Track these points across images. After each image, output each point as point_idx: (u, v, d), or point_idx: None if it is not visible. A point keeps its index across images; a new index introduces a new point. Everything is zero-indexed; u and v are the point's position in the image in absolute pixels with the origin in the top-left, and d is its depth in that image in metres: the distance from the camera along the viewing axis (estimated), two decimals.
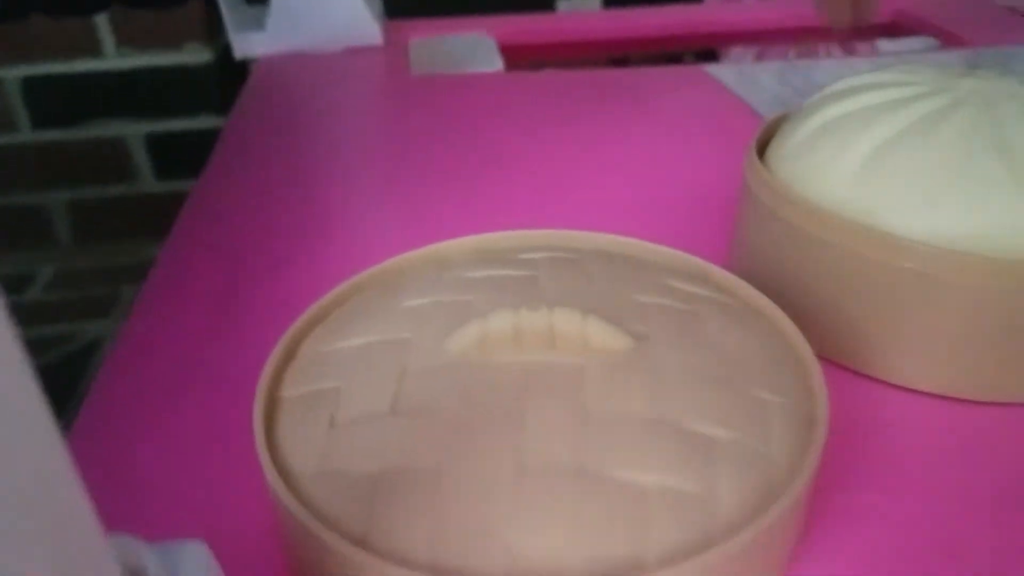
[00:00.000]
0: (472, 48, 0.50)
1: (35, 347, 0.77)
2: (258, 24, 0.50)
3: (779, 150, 0.25)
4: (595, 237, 0.24)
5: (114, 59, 0.92)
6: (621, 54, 0.59)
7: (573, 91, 0.44)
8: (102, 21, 0.90)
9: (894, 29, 0.56)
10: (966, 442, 0.21)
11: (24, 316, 0.84)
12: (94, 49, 0.91)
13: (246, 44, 0.49)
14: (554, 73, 0.48)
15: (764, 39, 0.68)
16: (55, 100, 0.93)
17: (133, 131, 0.96)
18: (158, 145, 0.96)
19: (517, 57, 0.54)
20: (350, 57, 0.50)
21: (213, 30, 0.90)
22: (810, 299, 0.23)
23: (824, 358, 0.23)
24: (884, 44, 0.55)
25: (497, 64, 0.48)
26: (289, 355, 0.20)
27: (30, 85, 0.93)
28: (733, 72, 0.44)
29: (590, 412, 0.17)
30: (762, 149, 0.26)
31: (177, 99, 0.94)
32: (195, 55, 0.92)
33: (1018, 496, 0.19)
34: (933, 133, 0.21)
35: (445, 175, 0.35)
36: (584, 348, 0.18)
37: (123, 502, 0.20)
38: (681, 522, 0.16)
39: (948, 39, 0.51)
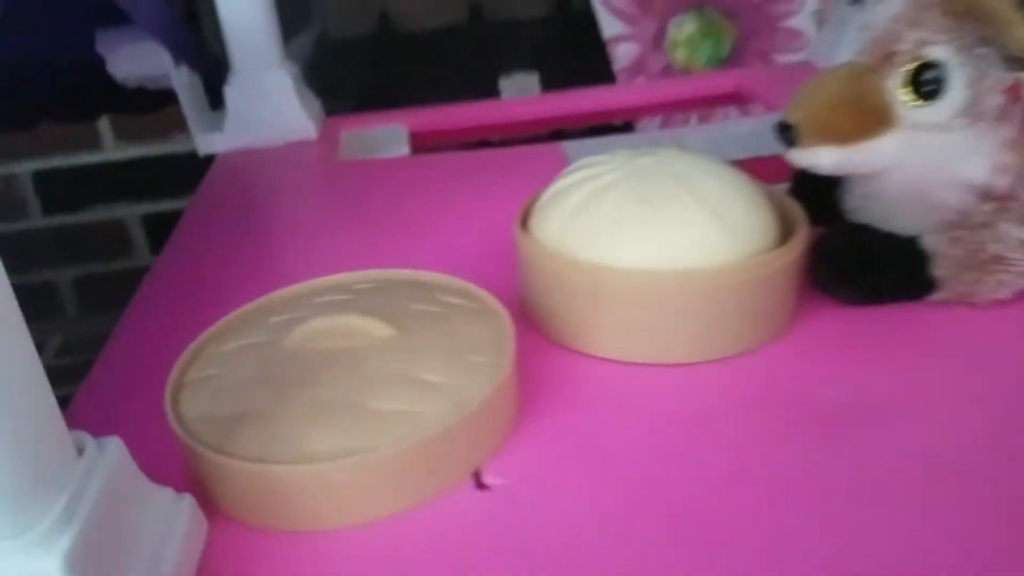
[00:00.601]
0: (387, 137, 0.63)
1: None
2: (218, 126, 0.63)
3: (534, 211, 0.37)
4: (406, 272, 0.36)
5: (112, 151, 1.06)
6: (556, 128, 0.71)
7: (456, 168, 0.56)
8: (102, 120, 1.04)
9: (738, 98, 0.69)
10: (631, 389, 0.32)
11: None
12: (95, 143, 1.06)
13: (208, 143, 0.62)
14: (445, 155, 0.60)
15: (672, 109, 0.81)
16: (62, 189, 1.07)
17: (130, 212, 1.09)
18: (152, 224, 1.10)
19: (431, 140, 0.67)
20: (291, 149, 0.62)
21: None
22: (546, 303, 0.35)
23: (555, 342, 0.35)
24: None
25: (404, 150, 0.60)
26: (196, 355, 0.32)
27: (40, 177, 1.07)
28: (576, 147, 0.56)
29: (361, 372, 0.29)
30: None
31: (167, 183, 1.07)
32: (181, 145, 1.05)
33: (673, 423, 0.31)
34: (605, 196, 0.33)
35: (353, 235, 0.48)
36: (366, 337, 0.30)
37: None
38: (405, 427, 0.27)
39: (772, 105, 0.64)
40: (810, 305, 0.36)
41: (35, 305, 1.15)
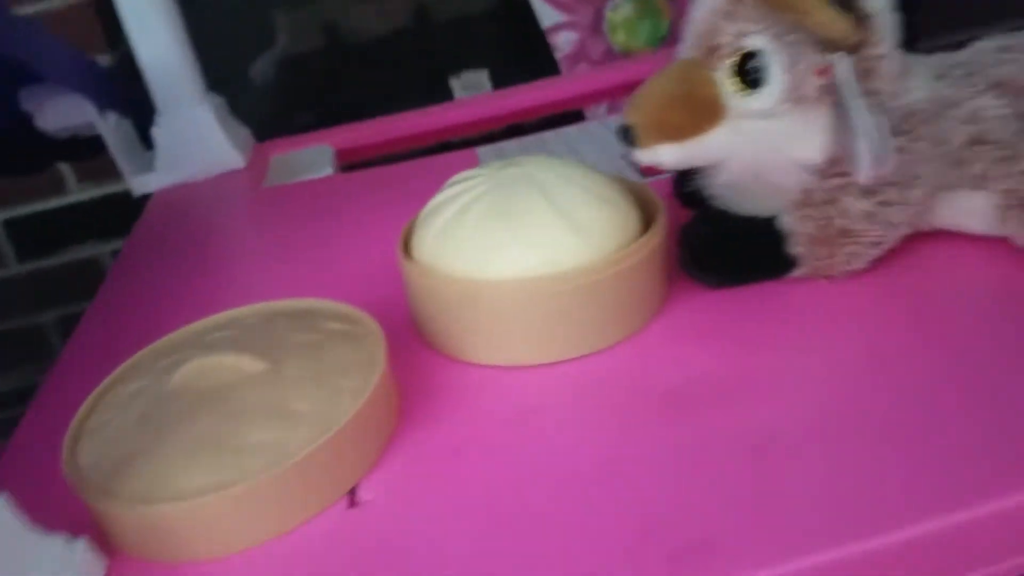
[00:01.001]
0: (313, 158, 0.65)
1: None
2: (151, 166, 0.65)
3: (414, 229, 0.38)
4: (293, 302, 0.37)
5: (78, 193, 1.09)
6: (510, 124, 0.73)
7: (376, 183, 0.58)
8: (64, 164, 1.07)
9: None
10: (504, 393, 0.34)
11: None
12: (60, 188, 1.08)
13: (141, 184, 0.64)
14: (367, 171, 0.62)
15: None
16: (35, 235, 1.10)
17: (101, 250, 1.11)
18: None
19: (359, 156, 0.69)
20: (222, 181, 0.64)
21: None
22: (426, 318, 0.37)
23: (441, 354, 0.36)
24: None
25: (328, 170, 0.62)
26: (97, 402, 0.34)
27: (11, 225, 1.09)
28: (490, 151, 0.58)
29: (232, 407, 0.31)
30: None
31: (134, 219, 1.09)
32: None
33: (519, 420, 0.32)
34: (469, 212, 0.35)
35: (274, 262, 0.49)
36: (238, 373, 0.32)
37: None
38: (270, 458, 0.29)
39: None
40: (682, 289, 0.38)
41: (25, 349, 1.19)
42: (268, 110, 1.14)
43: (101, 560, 0.29)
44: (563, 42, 1.02)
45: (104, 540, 0.30)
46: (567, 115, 0.80)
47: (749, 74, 0.32)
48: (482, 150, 0.59)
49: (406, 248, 0.37)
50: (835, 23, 0.30)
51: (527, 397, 0.34)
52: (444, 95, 1.12)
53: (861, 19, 0.31)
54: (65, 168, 1.07)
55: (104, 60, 0.97)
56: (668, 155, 0.34)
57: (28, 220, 1.09)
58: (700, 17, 0.33)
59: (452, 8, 1.16)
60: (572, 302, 0.34)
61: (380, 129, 0.69)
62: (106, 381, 0.35)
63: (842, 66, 0.31)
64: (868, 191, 0.34)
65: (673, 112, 0.33)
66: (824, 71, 0.31)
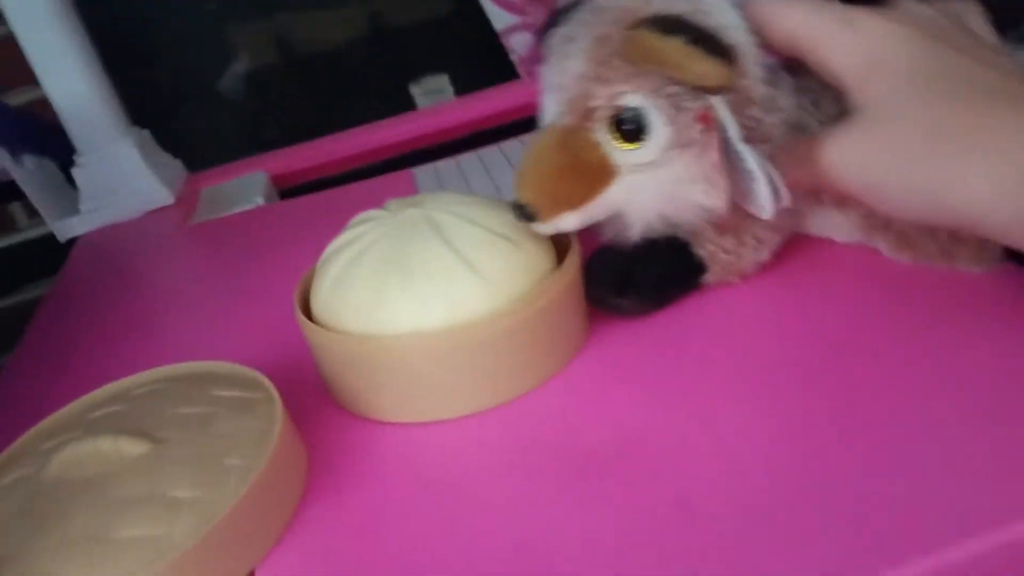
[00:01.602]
0: (244, 187, 0.62)
1: None
2: (73, 209, 0.62)
3: (313, 278, 0.35)
4: (188, 366, 0.35)
5: (27, 231, 1.06)
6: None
7: (306, 212, 0.55)
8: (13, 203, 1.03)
9: None
10: (407, 452, 0.31)
11: None
12: (11, 226, 1.05)
13: (66, 228, 0.61)
14: (298, 200, 0.59)
15: None
16: None
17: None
18: None
19: (300, 179, 0.66)
20: (150, 219, 0.61)
21: None
22: (329, 375, 0.34)
23: (347, 409, 0.34)
24: None
25: (258, 200, 0.59)
26: None
27: None
28: (427, 171, 0.55)
29: (110, 499, 0.28)
30: None
31: None
32: None
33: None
34: (362, 262, 0.32)
35: (196, 310, 0.47)
36: (117, 459, 0.29)
37: None
38: (150, 554, 0.26)
39: None
40: (601, 323, 0.35)
41: None
42: (235, 126, 1.11)
43: None
44: (517, 44, 0.99)
45: None
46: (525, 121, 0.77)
47: (628, 131, 0.31)
48: (418, 170, 0.56)
49: (304, 301, 0.35)
50: (712, 73, 0.29)
51: (441, 458, 0.31)
52: (405, 102, 1.09)
53: (729, 58, 0.30)
54: (15, 207, 1.04)
55: (37, 94, 0.94)
56: (569, 222, 0.33)
57: None
58: (567, 83, 0.32)
59: (408, 15, 1.13)
60: (478, 353, 0.31)
61: (318, 151, 0.66)
62: None
63: (721, 109, 0.30)
64: None
65: (564, 182, 0.32)
66: (704, 117, 0.31)
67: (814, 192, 0.34)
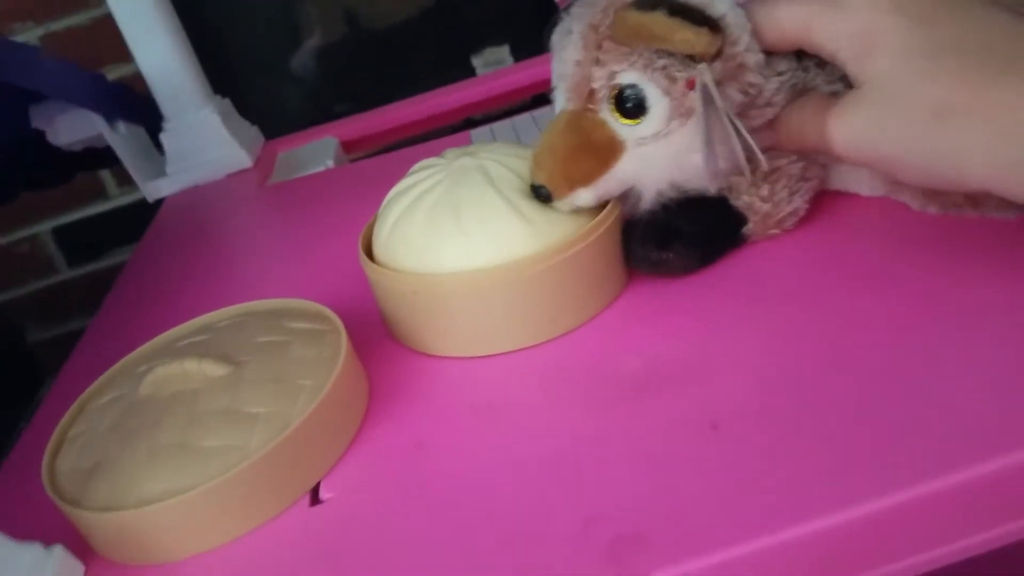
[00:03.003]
0: (316, 152, 0.65)
1: None
2: (161, 171, 0.66)
3: (375, 222, 0.38)
4: (265, 303, 0.38)
5: (118, 199, 1.12)
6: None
7: (375, 173, 0.58)
8: (104, 171, 1.10)
9: None
10: (462, 384, 0.34)
11: None
12: (102, 194, 1.12)
13: (154, 189, 0.66)
14: (367, 161, 0.62)
15: None
16: (82, 240, 1.14)
17: None
18: None
19: (369, 145, 0.69)
20: (231, 181, 0.66)
21: None
22: (388, 313, 0.37)
23: (409, 348, 0.37)
24: None
25: (328, 163, 0.63)
26: (79, 410, 0.36)
27: (60, 233, 1.14)
28: (485, 134, 0.57)
29: (193, 413, 0.32)
30: None
31: None
32: None
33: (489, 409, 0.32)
34: (419, 207, 0.35)
35: (272, 261, 0.51)
36: (200, 379, 0.33)
37: None
38: (227, 462, 0.30)
39: None
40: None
41: None
42: (304, 103, 1.15)
43: (78, 564, 0.31)
44: None
45: (82, 545, 0.31)
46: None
47: (629, 105, 0.33)
48: (475, 132, 0.59)
49: (368, 244, 0.38)
50: (695, 39, 0.30)
51: (489, 388, 0.34)
52: (467, 74, 1.11)
53: (713, 26, 0.31)
54: (105, 175, 1.11)
55: (130, 69, 1.00)
56: (584, 198, 0.34)
57: (74, 227, 1.13)
58: (568, 72, 0.34)
59: None
60: (522, 292, 0.34)
61: (383, 118, 0.69)
62: (87, 391, 0.36)
63: (703, 74, 0.31)
64: None
65: (576, 162, 0.34)
66: (691, 83, 0.32)
67: None
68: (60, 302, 1.18)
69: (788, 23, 0.32)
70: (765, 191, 0.35)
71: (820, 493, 0.25)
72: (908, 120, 0.29)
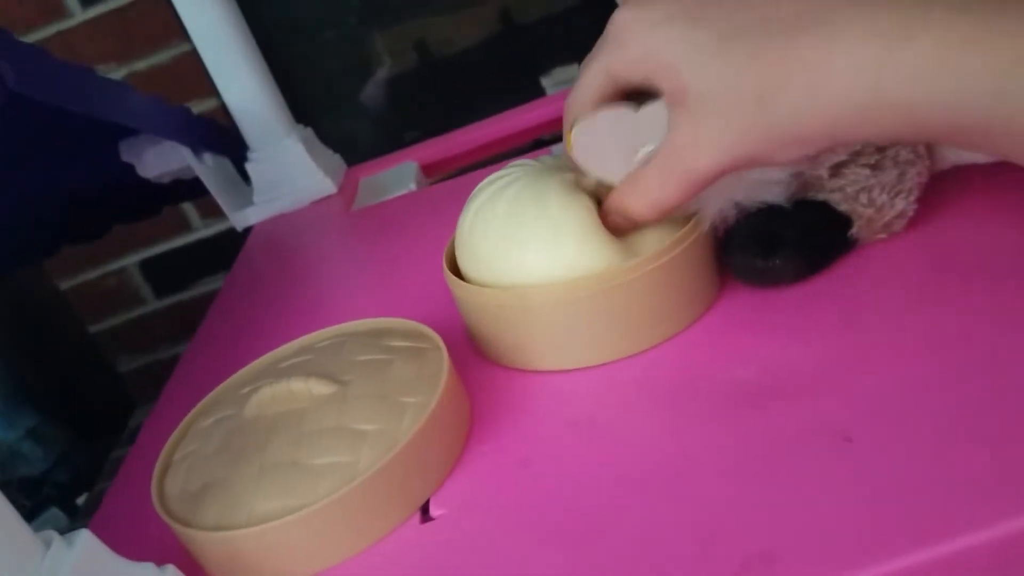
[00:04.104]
0: (397, 177, 0.66)
1: None
2: (248, 200, 0.68)
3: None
4: (363, 322, 0.38)
5: (202, 230, 1.16)
6: None
7: (455, 194, 0.58)
8: (187, 205, 1.14)
9: None
10: (562, 397, 0.33)
11: None
12: (186, 226, 1.15)
13: (242, 217, 0.67)
14: (447, 183, 0.62)
15: None
16: (168, 272, 1.18)
17: None
18: None
19: (439, 171, 0.70)
20: (316, 208, 0.67)
21: None
22: (477, 326, 0.37)
23: (502, 365, 0.36)
24: None
25: (411, 186, 0.63)
26: (184, 433, 0.36)
27: (146, 265, 1.18)
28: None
29: (302, 431, 0.32)
30: None
31: None
32: None
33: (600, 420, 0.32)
34: (503, 192, 0.35)
35: (362, 281, 0.51)
36: (307, 397, 0.33)
37: None
38: (338, 479, 0.30)
39: None
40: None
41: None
42: (376, 131, 1.17)
43: None
44: None
45: (191, 566, 0.31)
46: None
47: None
48: (555, 148, 0.58)
49: (452, 260, 0.38)
50: None
51: (587, 402, 0.33)
52: (538, 95, 1.12)
53: None
54: (188, 209, 1.14)
55: (210, 104, 1.03)
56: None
57: (160, 259, 1.16)
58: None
59: (537, 9, 1.16)
60: (617, 301, 0.33)
61: (461, 140, 0.70)
62: (191, 413, 0.36)
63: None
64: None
65: None
66: None
67: None
68: (148, 332, 1.21)
69: (593, 82, 0.31)
70: (864, 199, 0.34)
71: (967, 508, 0.23)
72: (741, 117, 0.28)
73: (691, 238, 0.33)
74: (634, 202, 0.32)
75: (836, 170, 0.34)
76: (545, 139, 0.73)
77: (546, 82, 1.15)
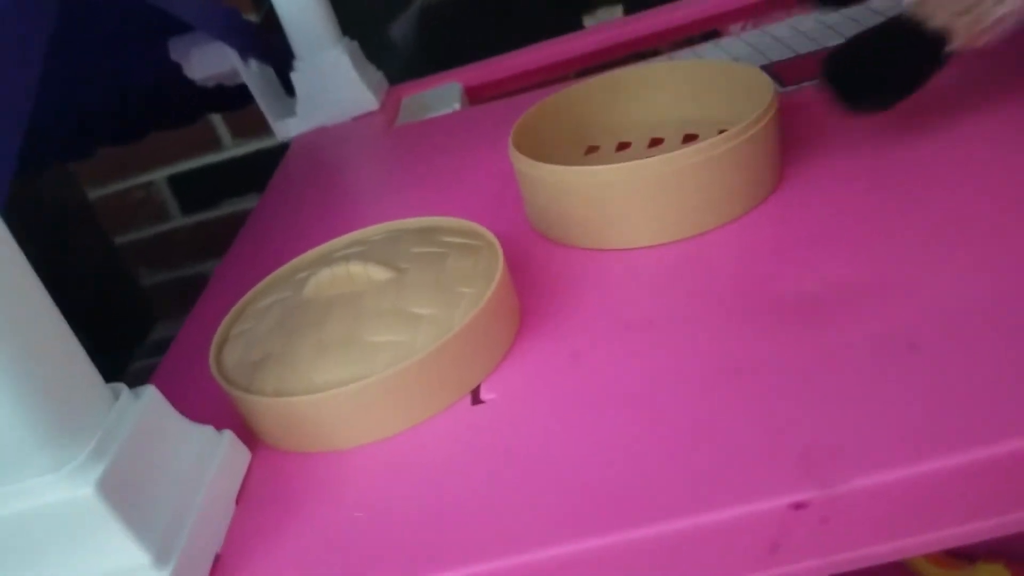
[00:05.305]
0: (441, 96, 0.66)
1: None
2: (290, 112, 0.68)
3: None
4: (417, 220, 0.39)
5: (232, 149, 1.16)
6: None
7: (500, 115, 0.58)
8: (219, 123, 1.13)
9: None
10: (626, 277, 0.34)
11: None
12: (217, 145, 1.15)
13: (284, 128, 0.67)
14: (492, 104, 0.62)
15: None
16: (196, 189, 1.18)
17: (256, 203, 1.18)
18: None
19: (489, 93, 0.70)
20: (358, 123, 0.67)
21: None
22: (553, 212, 0.37)
23: (563, 245, 0.37)
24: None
25: (455, 106, 0.63)
26: (240, 312, 0.37)
27: (175, 181, 1.18)
28: None
29: (360, 311, 0.32)
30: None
31: None
32: None
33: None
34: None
35: (405, 193, 0.51)
36: (365, 281, 0.33)
37: None
38: (395, 355, 0.30)
39: None
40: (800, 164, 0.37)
41: (192, 296, 1.28)
42: (405, 66, 1.17)
43: (246, 450, 0.32)
44: None
45: (247, 433, 0.32)
46: (705, 36, 0.78)
47: None
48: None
49: (518, 140, 0.39)
50: None
51: (645, 294, 0.34)
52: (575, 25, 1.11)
53: None
54: (220, 127, 1.14)
55: (252, 19, 1.02)
56: None
57: (189, 176, 1.17)
58: None
59: None
60: (666, 184, 0.34)
61: (508, 64, 0.69)
62: (248, 295, 0.37)
63: None
64: None
65: None
66: None
67: None
68: (172, 248, 1.22)
69: None
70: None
71: None
72: None
73: (771, 114, 0.34)
74: None
75: None
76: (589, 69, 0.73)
77: (588, 21, 1.14)
